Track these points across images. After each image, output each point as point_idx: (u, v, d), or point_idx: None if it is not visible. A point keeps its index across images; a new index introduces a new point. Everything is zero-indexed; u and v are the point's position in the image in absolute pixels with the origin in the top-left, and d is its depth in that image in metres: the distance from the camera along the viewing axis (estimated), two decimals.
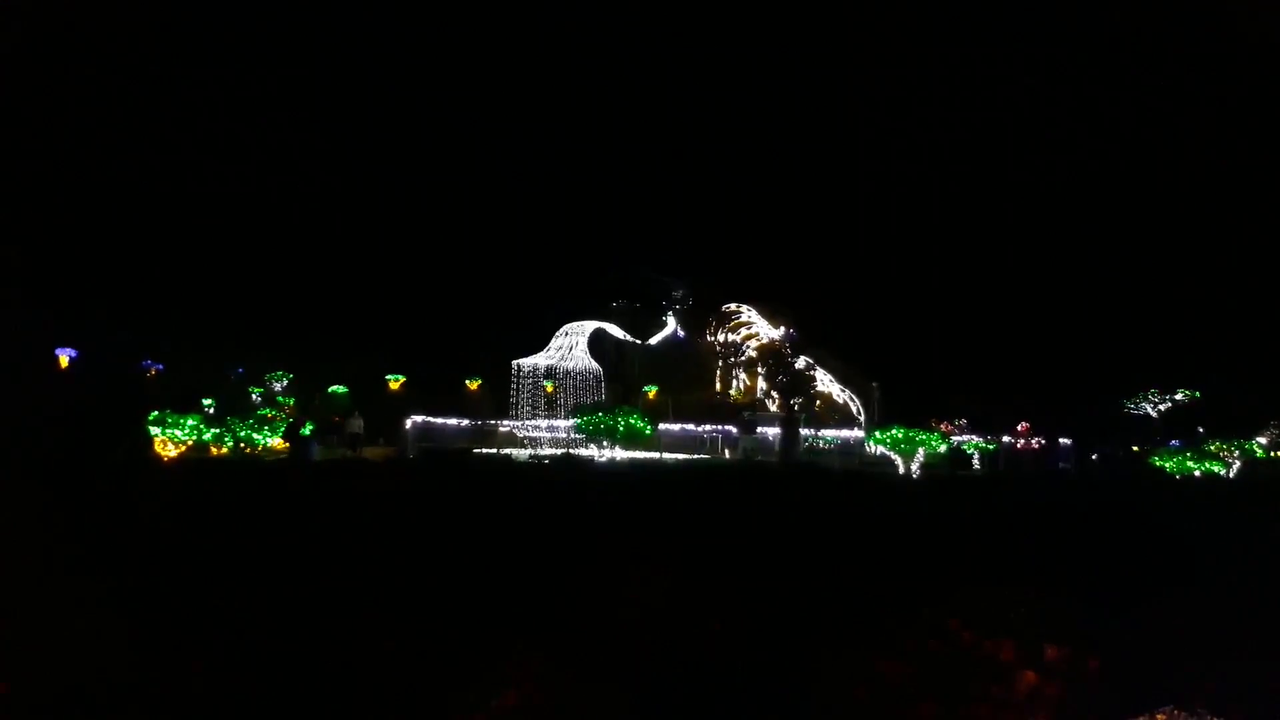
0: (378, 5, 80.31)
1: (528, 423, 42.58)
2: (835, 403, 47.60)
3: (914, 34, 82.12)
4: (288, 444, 31.34)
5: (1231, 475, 36.55)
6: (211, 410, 34.40)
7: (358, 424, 34.34)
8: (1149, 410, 47.34)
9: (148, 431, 30.11)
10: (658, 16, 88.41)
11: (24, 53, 50.41)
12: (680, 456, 35.74)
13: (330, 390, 43.31)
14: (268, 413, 34.12)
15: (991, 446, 39.73)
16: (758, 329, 52.66)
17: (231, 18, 76.98)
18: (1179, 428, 44.20)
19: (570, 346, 46.99)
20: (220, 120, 72.33)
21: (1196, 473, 36.09)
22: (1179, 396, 46.54)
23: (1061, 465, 40.02)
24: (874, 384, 45.71)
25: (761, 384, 50.74)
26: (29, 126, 53.33)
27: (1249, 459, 37.82)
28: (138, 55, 66.34)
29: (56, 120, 58.70)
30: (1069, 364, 58.49)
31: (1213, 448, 37.54)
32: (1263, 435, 42.64)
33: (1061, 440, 41.97)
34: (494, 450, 36.51)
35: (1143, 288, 66.52)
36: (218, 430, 30.75)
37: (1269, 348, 56.00)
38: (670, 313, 55.08)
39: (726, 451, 39.78)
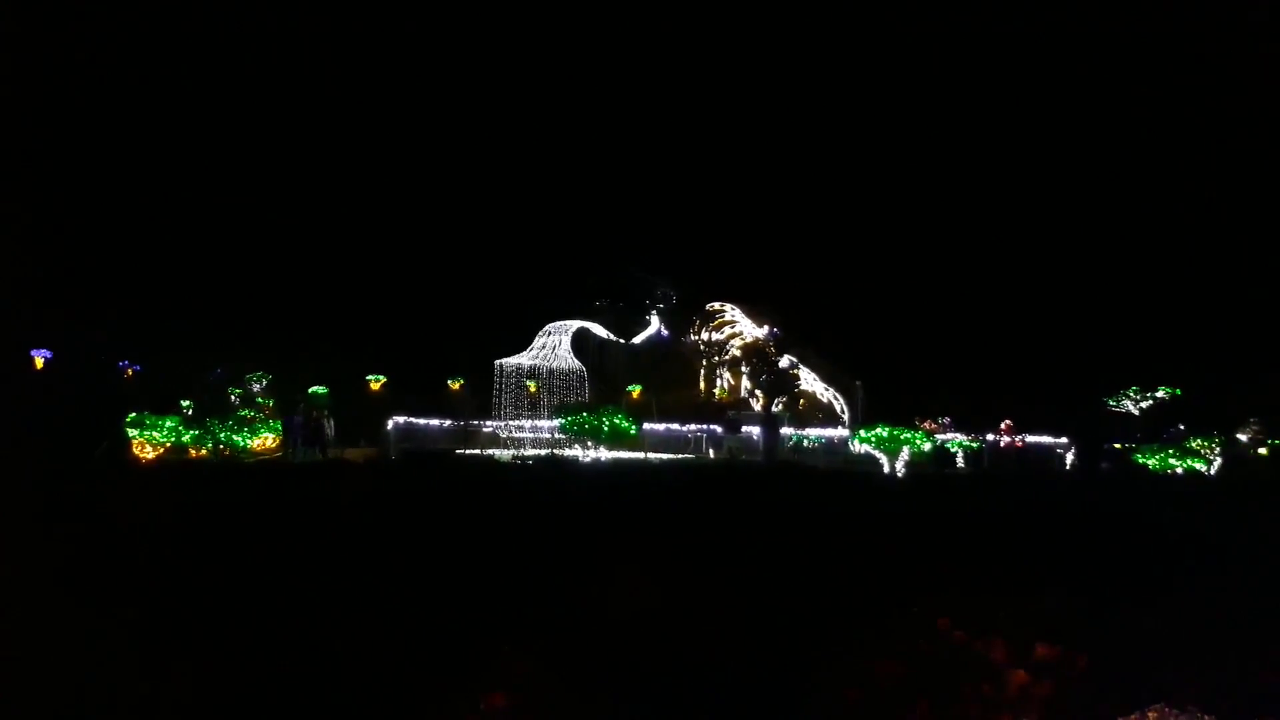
0: None
1: (511, 423, 42.31)
2: (819, 401, 47.58)
3: (900, 27, 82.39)
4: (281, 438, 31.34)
5: (1212, 472, 36.78)
6: (190, 412, 33.90)
7: (328, 425, 33.36)
8: (1130, 408, 47.46)
9: (125, 433, 29.74)
10: (642, 16, 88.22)
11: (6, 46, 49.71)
12: (665, 456, 35.61)
13: (311, 391, 42.90)
14: (247, 414, 33.67)
15: (976, 445, 39.77)
16: (741, 328, 52.55)
17: (210, 12, 76.28)
18: (1160, 425, 44.34)
19: (553, 346, 46.74)
20: (197, 117, 71.42)
21: (1178, 469, 36.32)
22: (1160, 394, 46.66)
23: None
24: (858, 382, 45.69)
25: (745, 383, 50.66)
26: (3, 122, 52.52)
27: (1230, 455, 38.06)
28: (116, 50, 65.57)
29: (34, 116, 57.90)
30: (1052, 362, 58.73)
31: (1194, 444, 37.76)
32: (1243, 432, 42.88)
33: (1040, 439, 42.01)
34: (477, 451, 36.25)
35: (1124, 285, 66.94)
36: (196, 431, 30.42)
37: (1251, 345, 56.48)
38: (654, 312, 54.93)
39: (711, 451, 39.67)
